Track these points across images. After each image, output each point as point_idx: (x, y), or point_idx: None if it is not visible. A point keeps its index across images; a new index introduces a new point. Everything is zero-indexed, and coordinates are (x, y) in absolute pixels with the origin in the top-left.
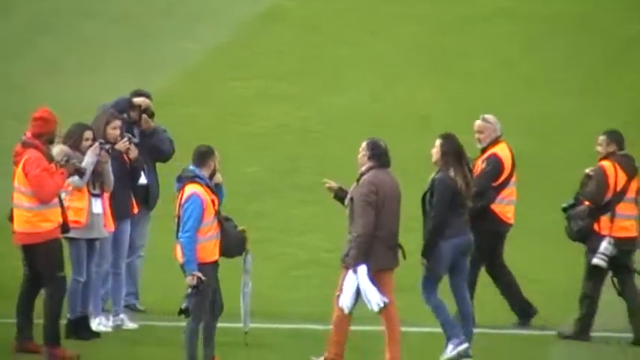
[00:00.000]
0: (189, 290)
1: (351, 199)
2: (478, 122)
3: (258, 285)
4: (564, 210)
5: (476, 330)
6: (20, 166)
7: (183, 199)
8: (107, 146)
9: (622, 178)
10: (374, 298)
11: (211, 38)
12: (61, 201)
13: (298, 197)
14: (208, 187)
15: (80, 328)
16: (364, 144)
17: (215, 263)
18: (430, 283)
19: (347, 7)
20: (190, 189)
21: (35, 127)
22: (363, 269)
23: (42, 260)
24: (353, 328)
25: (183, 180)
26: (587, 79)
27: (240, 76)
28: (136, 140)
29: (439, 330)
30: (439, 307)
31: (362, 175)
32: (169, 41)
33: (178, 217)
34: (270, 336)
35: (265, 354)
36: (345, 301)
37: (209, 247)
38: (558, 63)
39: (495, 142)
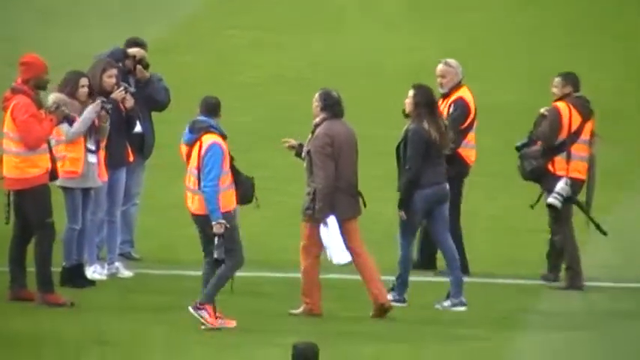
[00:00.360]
0: (218, 239)
1: (308, 152)
2: (440, 66)
3: (251, 233)
4: (517, 149)
5: (469, 279)
6: (9, 111)
7: (203, 150)
8: (108, 106)
9: (577, 119)
10: (344, 250)
11: None
12: (50, 148)
13: None
14: (222, 136)
15: (75, 276)
16: (317, 95)
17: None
18: (407, 233)
19: None
20: (209, 139)
21: (22, 73)
22: (332, 220)
23: (30, 206)
24: (335, 276)
25: (198, 131)
26: (579, 33)
27: (236, 25)
28: (131, 89)
29: (419, 278)
30: (406, 260)
31: (316, 126)
32: None
33: (198, 169)
34: (266, 284)
35: (261, 302)
36: (337, 255)
37: (228, 196)
38: (553, 17)
39: (458, 86)
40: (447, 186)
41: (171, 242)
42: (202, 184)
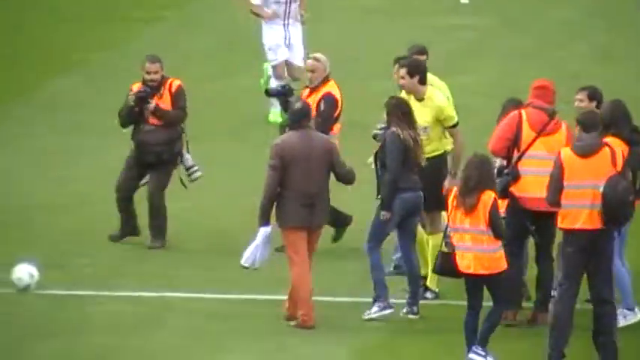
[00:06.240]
0: None
1: None
2: (309, 62)
3: None
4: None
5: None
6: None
7: None
8: None
9: None
10: (256, 256)
11: None
12: None
13: None
14: None
15: None
16: None
17: None
18: (376, 237)
19: None
20: None
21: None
22: (261, 231)
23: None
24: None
25: None
26: None
27: None
28: None
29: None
30: (377, 266)
31: None
32: None
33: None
34: None
35: None
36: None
37: None
38: None
39: (326, 80)
40: (422, 195)
41: None
42: None
